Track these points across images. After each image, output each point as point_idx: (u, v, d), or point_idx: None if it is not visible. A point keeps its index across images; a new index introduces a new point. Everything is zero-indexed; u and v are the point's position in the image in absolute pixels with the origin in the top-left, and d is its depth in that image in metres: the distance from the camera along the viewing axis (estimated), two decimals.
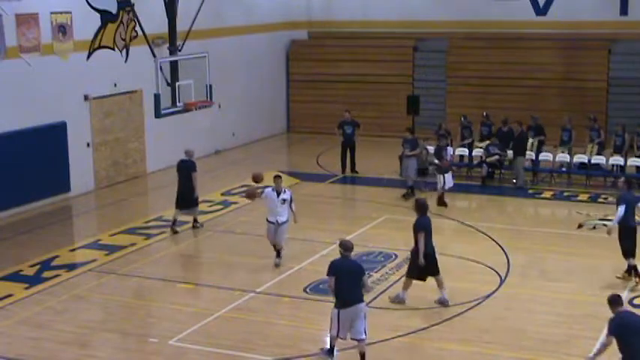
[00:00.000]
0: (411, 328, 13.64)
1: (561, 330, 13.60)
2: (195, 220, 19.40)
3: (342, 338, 12.30)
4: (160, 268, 16.88)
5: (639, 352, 10.35)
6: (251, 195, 16.87)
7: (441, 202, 21.05)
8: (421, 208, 14.56)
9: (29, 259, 17.29)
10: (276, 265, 16.48)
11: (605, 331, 10.82)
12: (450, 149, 24.84)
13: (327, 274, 12.28)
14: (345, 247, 12.48)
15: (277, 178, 16.53)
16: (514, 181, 23.24)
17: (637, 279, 15.36)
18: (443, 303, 14.49)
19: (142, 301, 15.32)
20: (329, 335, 12.44)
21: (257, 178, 16.97)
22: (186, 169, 19.14)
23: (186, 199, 19.07)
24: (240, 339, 13.24)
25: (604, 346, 10.68)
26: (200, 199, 19.82)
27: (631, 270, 15.48)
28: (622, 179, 16.65)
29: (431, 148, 23.29)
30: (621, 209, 15.19)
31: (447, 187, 21.17)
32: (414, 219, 14.54)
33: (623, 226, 15.39)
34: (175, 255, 17.79)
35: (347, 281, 12.12)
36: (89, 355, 13.06)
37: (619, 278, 15.51)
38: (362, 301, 12.26)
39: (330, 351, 12.51)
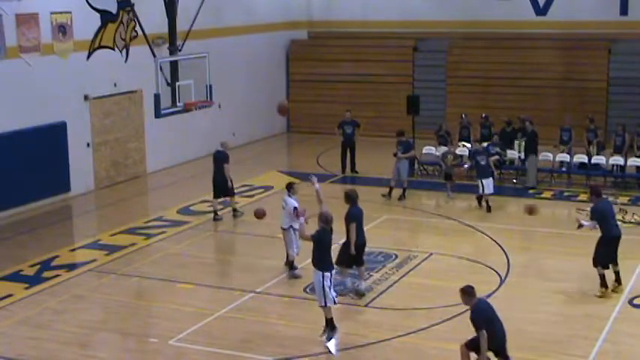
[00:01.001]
0: (411, 328, 13.64)
1: (561, 330, 13.60)
2: (234, 210, 20.01)
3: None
4: (160, 268, 16.87)
5: (499, 335, 11.27)
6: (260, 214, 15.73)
7: (483, 206, 20.93)
8: (350, 198, 14.92)
9: (29, 259, 17.29)
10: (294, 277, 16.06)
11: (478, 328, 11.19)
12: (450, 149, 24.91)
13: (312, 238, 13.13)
14: (326, 220, 13.19)
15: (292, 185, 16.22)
16: (514, 180, 23.23)
17: (602, 289, 14.85)
18: (359, 293, 14.71)
19: (142, 301, 15.32)
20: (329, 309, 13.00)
21: (259, 214, 15.66)
22: (219, 160, 20.02)
23: (221, 188, 19.84)
24: (240, 339, 13.24)
25: (485, 342, 11.10)
26: (200, 199, 19.82)
27: (602, 278, 14.95)
28: (589, 189, 15.60)
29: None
30: (592, 224, 14.67)
31: (486, 192, 20.88)
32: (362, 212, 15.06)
33: (606, 235, 14.84)
34: (175, 255, 17.78)
35: (328, 248, 13.11)
36: (89, 355, 13.07)
37: (614, 292, 14.99)
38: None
39: (334, 326, 12.93)
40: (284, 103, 16.57)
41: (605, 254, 14.88)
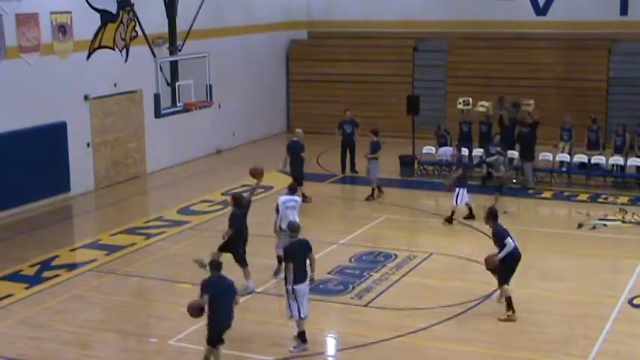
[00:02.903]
0: (411, 328, 13.64)
1: (561, 330, 13.60)
2: (304, 195, 20.64)
3: (303, 317, 12.74)
4: (160, 268, 16.87)
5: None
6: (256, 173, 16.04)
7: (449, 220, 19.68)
8: (236, 201, 15.07)
9: (29, 259, 17.29)
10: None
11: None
12: (449, 149, 24.86)
13: (285, 260, 12.86)
14: (292, 229, 13.12)
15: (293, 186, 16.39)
16: (514, 180, 23.22)
17: (509, 313, 13.98)
18: (247, 288, 14.80)
19: (142, 301, 15.32)
20: (295, 322, 12.86)
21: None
22: (294, 149, 21.18)
23: (298, 177, 20.60)
24: (240, 339, 13.23)
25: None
26: (200, 199, 19.81)
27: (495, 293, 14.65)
28: (487, 211, 14.53)
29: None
30: (510, 242, 13.98)
31: (466, 201, 19.68)
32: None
33: (512, 256, 14.12)
34: (175, 255, 17.78)
35: (301, 260, 12.78)
36: (89, 355, 13.07)
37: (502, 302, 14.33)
38: (307, 277, 12.89)
39: (304, 339, 12.83)
40: (258, 167, 16.21)
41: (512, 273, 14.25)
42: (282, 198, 15.94)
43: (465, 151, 24.73)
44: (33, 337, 13.52)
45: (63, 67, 21.78)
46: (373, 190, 21.72)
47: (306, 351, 12.77)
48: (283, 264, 13.59)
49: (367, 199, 21.69)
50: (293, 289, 12.64)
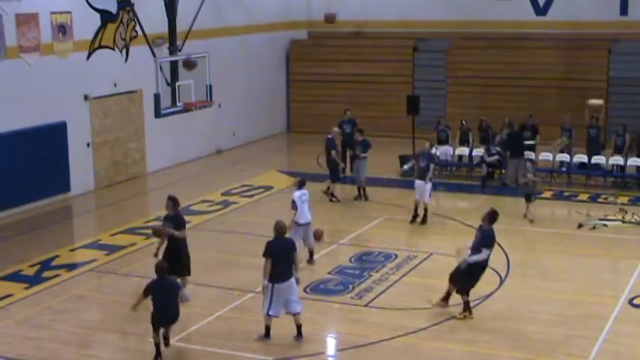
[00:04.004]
0: (411, 328, 13.64)
1: (561, 330, 13.60)
2: (332, 194, 21.49)
3: (274, 315, 12.87)
4: None
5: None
6: (158, 233, 15.23)
7: (415, 218, 19.43)
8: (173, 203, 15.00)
9: (29, 259, 17.29)
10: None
11: None
12: (449, 149, 24.87)
13: (263, 255, 12.87)
14: (279, 229, 13.14)
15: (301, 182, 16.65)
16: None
17: (466, 313, 13.90)
18: (182, 297, 14.19)
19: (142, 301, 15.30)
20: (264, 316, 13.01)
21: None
22: (326, 146, 21.61)
23: (331, 172, 21.41)
24: (240, 339, 13.24)
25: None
26: (200, 199, 19.77)
27: (448, 297, 14.21)
28: (487, 212, 14.23)
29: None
30: (486, 252, 13.69)
31: (416, 196, 19.36)
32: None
33: (479, 265, 13.82)
34: None
35: (282, 259, 12.84)
36: (89, 355, 13.07)
37: (436, 305, 14.23)
38: (292, 276, 12.99)
39: (267, 334, 13.01)
40: (160, 229, 15.55)
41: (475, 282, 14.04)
42: (297, 193, 16.25)
43: (464, 151, 24.83)
44: (33, 337, 13.52)
45: (63, 67, 21.78)
46: (362, 189, 21.70)
47: (266, 343, 12.99)
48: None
49: (356, 198, 21.70)
50: (273, 286, 12.79)
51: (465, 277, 13.89)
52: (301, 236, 16.25)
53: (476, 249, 13.86)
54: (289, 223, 15.68)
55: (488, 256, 13.86)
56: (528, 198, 19.82)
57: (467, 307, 13.93)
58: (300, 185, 16.56)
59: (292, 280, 12.98)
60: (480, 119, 25.46)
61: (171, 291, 12.66)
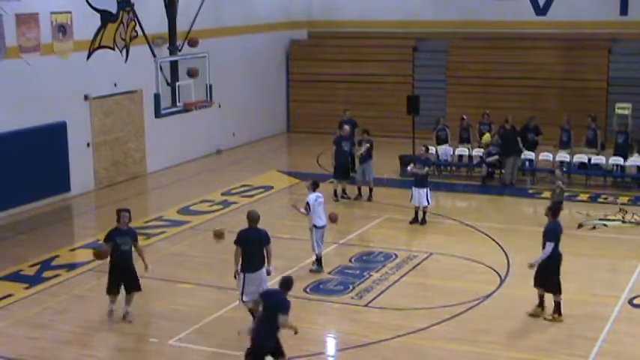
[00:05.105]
0: (411, 328, 13.64)
1: (561, 330, 13.59)
2: (343, 191, 21.68)
3: (250, 300, 12.93)
4: (160, 268, 16.81)
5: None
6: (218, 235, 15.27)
7: (416, 220, 19.56)
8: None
9: (29, 259, 17.29)
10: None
11: None
12: (449, 149, 24.84)
13: (234, 243, 13.21)
14: (251, 218, 13.43)
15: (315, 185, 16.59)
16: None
17: (555, 315, 13.92)
18: (125, 317, 14.09)
19: (142, 301, 15.29)
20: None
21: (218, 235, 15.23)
22: (337, 143, 21.76)
23: (342, 171, 21.52)
24: (240, 339, 13.22)
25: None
26: (200, 199, 19.77)
27: (541, 303, 14.15)
28: (548, 206, 14.46)
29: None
30: (549, 247, 13.73)
31: (423, 204, 19.40)
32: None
33: (554, 261, 13.86)
34: (175, 255, 17.78)
35: (253, 249, 13.10)
36: (89, 355, 13.07)
37: (532, 316, 14.07)
38: (263, 267, 13.26)
39: (253, 317, 12.92)
40: (102, 251, 15.40)
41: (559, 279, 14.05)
42: (312, 196, 16.21)
43: (465, 151, 24.81)
44: (33, 337, 13.52)
45: (63, 67, 21.78)
46: (370, 190, 21.69)
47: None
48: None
49: (356, 198, 21.69)
50: (244, 275, 13.05)
51: (548, 277, 13.83)
52: (320, 238, 16.26)
53: (543, 246, 13.91)
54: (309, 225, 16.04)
55: (554, 248, 13.78)
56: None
57: (557, 308, 13.85)
58: (314, 187, 16.45)
59: (263, 270, 13.24)
60: (482, 112, 25.39)
61: None
